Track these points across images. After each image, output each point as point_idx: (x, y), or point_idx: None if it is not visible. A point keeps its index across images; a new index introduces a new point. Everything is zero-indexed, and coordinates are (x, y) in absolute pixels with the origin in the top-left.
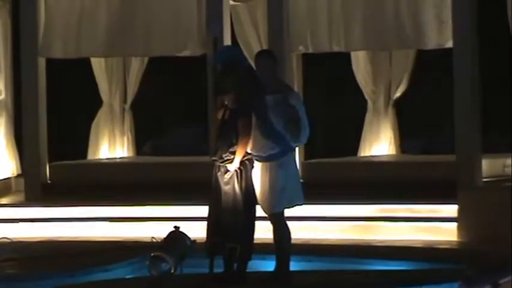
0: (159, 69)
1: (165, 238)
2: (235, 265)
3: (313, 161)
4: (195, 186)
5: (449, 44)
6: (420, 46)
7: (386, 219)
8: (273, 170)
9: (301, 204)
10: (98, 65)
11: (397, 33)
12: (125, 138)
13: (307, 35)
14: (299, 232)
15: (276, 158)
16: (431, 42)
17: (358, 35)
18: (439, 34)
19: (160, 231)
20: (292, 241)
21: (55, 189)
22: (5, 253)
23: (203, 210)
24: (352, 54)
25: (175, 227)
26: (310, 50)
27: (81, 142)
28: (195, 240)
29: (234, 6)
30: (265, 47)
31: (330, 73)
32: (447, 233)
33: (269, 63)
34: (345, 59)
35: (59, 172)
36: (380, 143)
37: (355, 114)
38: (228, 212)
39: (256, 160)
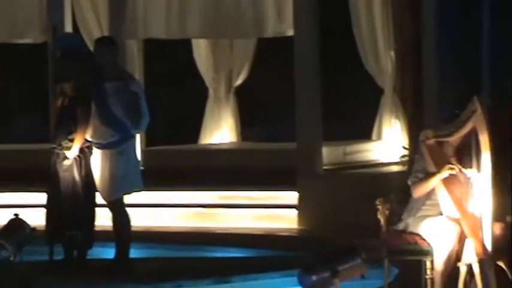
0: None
1: (4, 225)
2: (75, 252)
3: (153, 148)
4: (35, 174)
5: (290, 32)
6: (260, 34)
7: (227, 206)
8: (113, 157)
9: (140, 191)
10: None
11: (236, 22)
12: None
13: (146, 21)
14: (139, 219)
15: (116, 146)
16: (271, 31)
17: (196, 22)
18: (279, 22)
19: None
20: (132, 228)
21: None
22: None
23: (43, 198)
24: (194, 41)
25: (15, 214)
26: (150, 36)
27: None
28: (34, 228)
29: None
30: (106, 33)
31: (171, 60)
32: (287, 221)
33: (109, 50)
34: (186, 46)
35: None
36: (221, 131)
37: (196, 102)
38: (68, 199)
39: (96, 147)
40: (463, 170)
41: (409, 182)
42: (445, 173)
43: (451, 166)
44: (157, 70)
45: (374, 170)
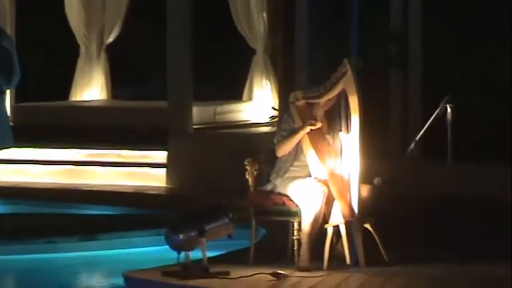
0: None
1: None
2: None
3: (24, 104)
4: None
5: None
6: None
7: (96, 164)
8: None
9: (10, 147)
10: None
11: None
12: None
13: None
14: (9, 175)
15: None
16: None
17: None
18: None
19: None
20: (1, 184)
21: None
22: None
23: None
24: None
25: None
26: None
27: None
28: None
29: None
30: None
31: (44, 16)
32: (156, 179)
33: None
34: (58, 1)
35: None
36: (92, 89)
37: (67, 59)
38: None
39: None
40: (330, 131)
41: (275, 141)
42: (306, 129)
43: (312, 122)
44: (30, 26)
45: (244, 131)
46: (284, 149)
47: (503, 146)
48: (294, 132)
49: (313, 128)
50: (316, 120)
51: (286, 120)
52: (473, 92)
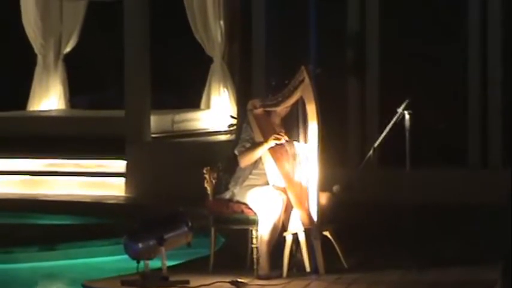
0: None
1: None
2: None
3: None
4: None
5: None
6: None
7: (54, 173)
8: None
9: None
10: None
11: None
12: None
13: None
14: None
15: None
16: None
17: None
18: None
19: None
20: None
21: None
22: None
23: None
24: (23, 7)
25: None
26: None
27: None
28: None
29: None
30: None
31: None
32: (115, 188)
33: None
34: (15, 12)
35: None
36: (49, 98)
37: (25, 68)
38: None
39: None
40: (289, 139)
41: (236, 152)
42: (271, 143)
43: (277, 136)
44: None
45: (202, 139)
46: (247, 161)
47: (461, 151)
48: (258, 144)
49: (277, 142)
50: (276, 131)
51: (246, 130)
52: (432, 97)
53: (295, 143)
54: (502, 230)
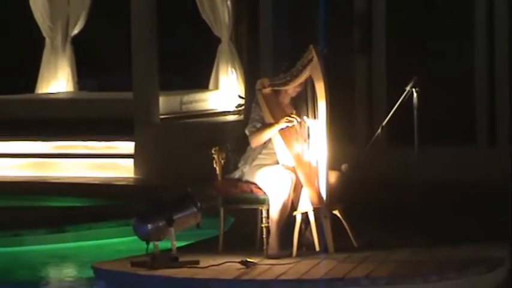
0: None
1: None
2: None
3: None
4: None
5: None
6: None
7: (63, 156)
8: None
9: None
10: None
11: None
12: None
13: None
14: None
15: None
16: None
17: None
18: None
19: None
20: None
21: None
22: None
23: None
24: None
25: None
26: None
27: None
28: None
29: None
30: None
31: (8, 8)
32: (124, 170)
33: None
34: None
35: None
36: (58, 80)
37: (33, 51)
38: None
39: None
40: (299, 119)
41: (247, 132)
42: (282, 124)
43: (289, 118)
44: None
45: (210, 119)
46: (258, 141)
47: (469, 129)
48: (269, 125)
49: (289, 125)
50: (286, 111)
51: (255, 109)
52: (439, 74)
53: (305, 118)
54: (510, 207)
